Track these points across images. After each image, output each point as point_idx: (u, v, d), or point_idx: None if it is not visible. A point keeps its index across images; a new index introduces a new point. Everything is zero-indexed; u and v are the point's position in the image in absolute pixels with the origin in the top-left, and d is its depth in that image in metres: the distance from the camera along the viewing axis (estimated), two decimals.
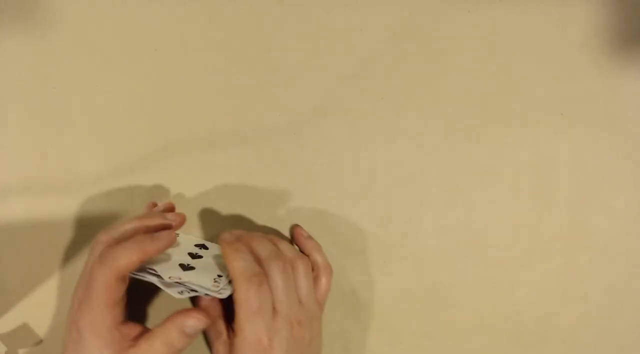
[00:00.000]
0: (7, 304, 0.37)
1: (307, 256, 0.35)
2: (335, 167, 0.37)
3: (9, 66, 0.36)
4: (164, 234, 0.31)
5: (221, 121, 0.37)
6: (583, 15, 0.36)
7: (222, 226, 0.37)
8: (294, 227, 0.37)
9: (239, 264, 0.31)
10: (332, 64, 0.37)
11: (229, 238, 0.33)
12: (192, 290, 0.30)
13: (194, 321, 0.29)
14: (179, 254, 0.33)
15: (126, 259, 0.29)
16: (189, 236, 0.36)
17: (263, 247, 0.33)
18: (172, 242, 0.31)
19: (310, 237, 0.37)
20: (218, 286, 0.31)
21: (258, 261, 0.32)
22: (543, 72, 0.37)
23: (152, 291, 0.38)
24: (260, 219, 0.37)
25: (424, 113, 0.37)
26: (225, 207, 0.37)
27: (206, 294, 0.31)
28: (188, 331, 0.29)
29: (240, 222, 0.37)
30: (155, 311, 0.38)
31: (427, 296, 0.38)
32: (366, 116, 0.37)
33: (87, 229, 0.36)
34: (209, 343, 0.35)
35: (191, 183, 0.37)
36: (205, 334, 0.36)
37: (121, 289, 0.29)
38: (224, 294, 0.31)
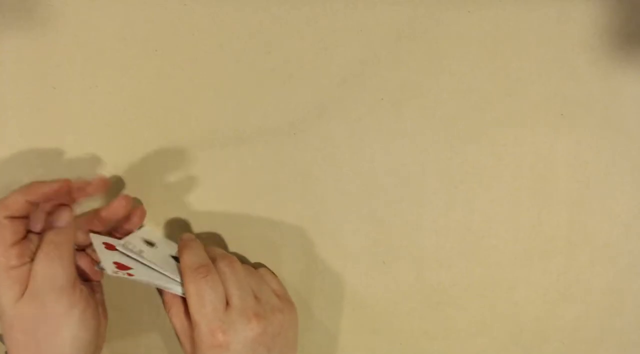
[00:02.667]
0: None
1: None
2: (335, 167, 0.37)
3: (9, 66, 0.36)
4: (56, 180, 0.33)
5: (221, 121, 0.37)
6: (583, 15, 0.36)
7: (221, 227, 0.37)
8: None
9: (188, 257, 0.32)
10: (332, 64, 0.37)
11: (187, 237, 0.35)
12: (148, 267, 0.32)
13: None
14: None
15: (12, 196, 0.30)
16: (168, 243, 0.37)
17: (213, 249, 0.34)
18: (63, 187, 0.32)
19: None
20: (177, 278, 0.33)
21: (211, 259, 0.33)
22: (543, 72, 0.37)
23: (151, 293, 0.38)
24: (260, 220, 0.37)
25: (424, 113, 0.37)
26: (225, 208, 0.37)
27: (162, 285, 0.32)
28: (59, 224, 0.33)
29: (239, 223, 0.37)
30: (152, 314, 0.38)
31: (427, 296, 0.38)
32: (366, 116, 0.37)
33: None
34: (180, 342, 0.35)
35: (190, 183, 0.37)
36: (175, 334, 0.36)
37: (18, 229, 0.30)
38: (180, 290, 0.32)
